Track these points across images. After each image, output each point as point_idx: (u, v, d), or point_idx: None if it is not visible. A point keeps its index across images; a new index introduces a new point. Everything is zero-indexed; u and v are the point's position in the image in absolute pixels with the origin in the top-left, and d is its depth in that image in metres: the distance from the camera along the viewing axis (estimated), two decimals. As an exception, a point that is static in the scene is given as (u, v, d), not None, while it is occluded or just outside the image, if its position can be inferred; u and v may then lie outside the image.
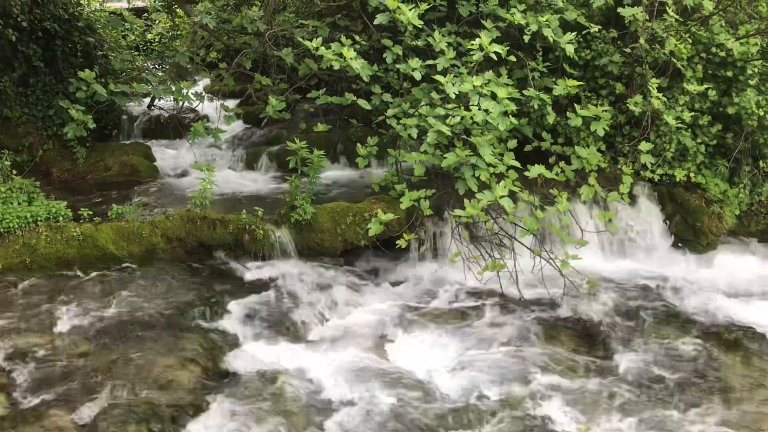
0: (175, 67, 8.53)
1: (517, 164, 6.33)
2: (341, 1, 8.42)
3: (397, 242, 6.45)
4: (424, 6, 6.84)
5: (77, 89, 6.70)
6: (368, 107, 7.01)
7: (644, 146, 6.76)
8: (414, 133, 6.43)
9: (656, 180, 7.42)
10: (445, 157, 6.22)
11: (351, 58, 6.43)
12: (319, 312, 6.13)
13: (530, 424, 4.79)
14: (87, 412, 4.65)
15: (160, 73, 8.98)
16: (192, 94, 7.76)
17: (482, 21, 6.94)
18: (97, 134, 8.64)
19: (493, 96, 6.31)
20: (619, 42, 7.45)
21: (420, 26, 6.70)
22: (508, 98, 6.32)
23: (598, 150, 7.13)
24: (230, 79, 8.32)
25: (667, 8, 7.02)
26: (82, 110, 6.69)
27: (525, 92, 6.72)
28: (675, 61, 7.13)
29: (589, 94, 7.50)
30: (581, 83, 6.85)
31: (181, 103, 8.50)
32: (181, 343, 5.40)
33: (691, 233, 7.46)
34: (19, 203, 6.43)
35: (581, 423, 4.80)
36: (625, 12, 6.93)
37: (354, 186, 7.99)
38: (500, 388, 5.13)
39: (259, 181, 8.32)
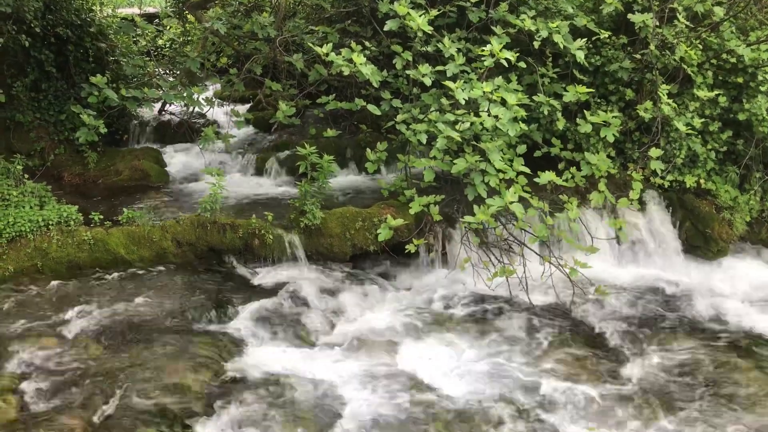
0: (186, 72, 8.57)
1: (527, 170, 6.32)
2: (351, 7, 8.45)
3: (406, 247, 6.45)
4: (433, 12, 6.87)
5: (89, 94, 6.75)
6: (378, 113, 7.03)
7: (654, 152, 6.74)
8: (423, 138, 6.44)
9: (666, 186, 7.39)
10: (454, 163, 6.22)
11: (361, 64, 6.45)
12: (328, 317, 6.14)
13: (540, 431, 4.78)
14: (97, 415, 4.67)
15: (171, 79, 9.02)
16: (202, 99, 7.80)
17: (492, 27, 6.95)
18: (108, 139, 8.70)
19: (503, 102, 6.31)
20: (629, 48, 7.44)
21: (430, 32, 6.71)
22: (517, 104, 6.32)
23: (608, 156, 7.12)
24: (240, 84, 8.37)
25: (678, 14, 7.01)
26: (94, 115, 6.73)
27: (535, 98, 6.72)
28: (685, 67, 7.11)
29: (598, 100, 7.49)
30: (591, 89, 6.84)
31: (191, 108, 8.54)
32: (191, 347, 5.42)
33: (701, 240, 7.43)
34: (30, 207, 6.47)
35: (591, 430, 4.79)
36: (636, 18, 6.93)
37: (363, 191, 8.00)
38: (510, 393, 5.12)
39: (268, 186, 8.34)
